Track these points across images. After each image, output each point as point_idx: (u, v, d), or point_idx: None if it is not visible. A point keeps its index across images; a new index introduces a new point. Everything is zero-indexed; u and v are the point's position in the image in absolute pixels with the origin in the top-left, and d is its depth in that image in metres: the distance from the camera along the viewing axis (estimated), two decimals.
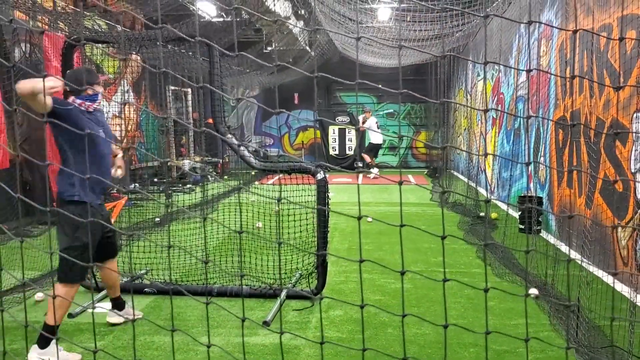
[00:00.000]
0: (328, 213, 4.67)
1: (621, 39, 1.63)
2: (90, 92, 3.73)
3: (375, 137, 15.08)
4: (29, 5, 7.42)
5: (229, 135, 4.77)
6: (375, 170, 14.78)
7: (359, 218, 1.76)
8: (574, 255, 6.05)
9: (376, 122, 15.32)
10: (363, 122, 14.88)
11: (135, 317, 4.43)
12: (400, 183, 1.74)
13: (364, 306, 1.73)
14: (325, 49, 13.97)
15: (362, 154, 15.46)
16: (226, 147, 9.74)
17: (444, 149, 13.68)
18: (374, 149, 15.37)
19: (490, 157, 10.81)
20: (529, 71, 1.62)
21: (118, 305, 4.36)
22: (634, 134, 4.80)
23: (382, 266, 1.83)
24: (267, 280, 5.07)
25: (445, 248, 6.89)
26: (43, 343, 3.59)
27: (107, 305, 4.49)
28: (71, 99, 3.73)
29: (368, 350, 1.67)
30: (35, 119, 8.27)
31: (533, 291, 4.84)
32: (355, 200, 10.75)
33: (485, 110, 1.64)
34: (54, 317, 3.59)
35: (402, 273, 1.69)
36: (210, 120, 4.85)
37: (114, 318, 4.31)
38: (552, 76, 7.10)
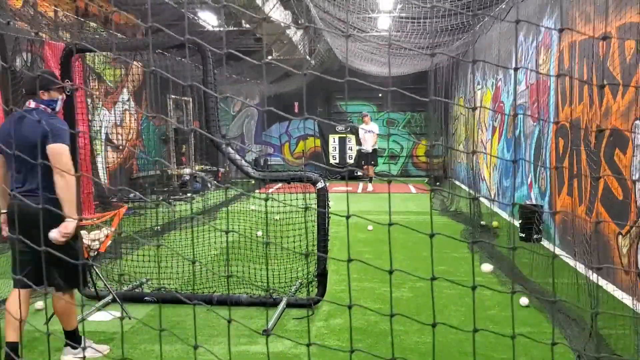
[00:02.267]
0: (328, 221, 4.67)
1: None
2: (44, 96, 3.64)
3: (366, 143, 14.13)
4: (30, 15, 7.46)
5: (224, 145, 4.77)
6: (369, 185, 14.28)
7: (348, 217, 1.76)
8: (574, 263, 6.04)
9: (371, 130, 14.09)
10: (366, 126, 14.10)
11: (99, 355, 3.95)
12: (390, 181, 1.75)
13: (352, 306, 1.72)
14: (324, 57, 14.00)
15: (368, 167, 14.32)
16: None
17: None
18: (370, 158, 14.32)
19: (491, 166, 10.82)
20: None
21: (73, 339, 3.78)
22: (634, 142, 4.81)
23: (374, 267, 1.82)
24: (267, 288, 5.06)
25: (447, 257, 6.90)
26: (73, 345, 3.75)
27: (109, 314, 4.47)
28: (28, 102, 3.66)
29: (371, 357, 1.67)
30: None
31: (523, 301, 4.87)
32: (356, 208, 10.74)
33: (474, 109, 1.64)
34: (70, 323, 3.76)
35: (391, 272, 1.69)
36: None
37: (68, 357, 3.81)
38: (552, 84, 7.12)
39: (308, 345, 1.86)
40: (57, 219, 3.40)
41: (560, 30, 1.63)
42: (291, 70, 2.31)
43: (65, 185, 3.44)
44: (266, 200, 2.00)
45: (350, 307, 1.80)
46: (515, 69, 1.68)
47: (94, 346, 3.93)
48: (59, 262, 3.41)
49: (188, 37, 1.80)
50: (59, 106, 3.72)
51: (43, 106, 3.61)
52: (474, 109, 1.79)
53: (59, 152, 3.46)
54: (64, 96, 3.80)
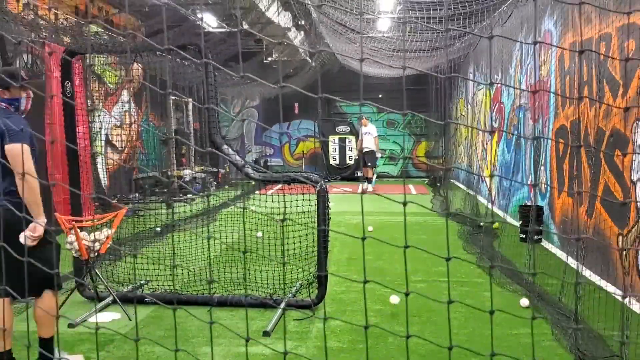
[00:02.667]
0: (328, 223, 4.67)
1: (627, 59, 1.64)
2: (5, 95, 3.50)
3: (367, 143, 14.01)
4: (31, 18, 7.47)
5: (225, 147, 4.77)
6: (368, 186, 14.18)
7: (364, 239, 1.74)
8: (574, 264, 6.04)
9: (368, 132, 14.06)
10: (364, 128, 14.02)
11: None
12: (405, 204, 1.70)
13: (368, 327, 1.73)
14: (325, 59, 14.00)
15: (366, 168, 14.36)
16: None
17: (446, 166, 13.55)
18: (370, 159, 14.28)
19: (490, 166, 10.82)
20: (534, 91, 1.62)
21: (46, 350, 3.62)
22: (634, 144, 4.81)
23: (385, 286, 1.82)
24: (268, 290, 5.06)
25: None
26: (46, 357, 3.57)
27: (109, 315, 4.48)
28: None
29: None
30: (36, 132, 8.28)
31: (523, 302, 4.87)
32: (356, 209, 10.73)
33: (492, 132, 1.64)
34: (43, 331, 3.59)
35: (407, 294, 1.68)
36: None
37: None
38: (552, 85, 7.12)
39: (325, 350, 1.85)
40: (22, 223, 3.22)
41: (581, 53, 1.62)
42: (303, 92, 2.28)
43: (27, 187, 3.29)
44: (283, 221, 2.01)
45: (366, 328, 1.79)
46: (535, 92, 1.68)
47: (67, 357, 3.76)
48: (8, 270, 3.06)
49: (206, 59, 1.81)
50: (23, 104, 3.60)
51: (5, 104, 3.51)
52: (492, 132, 1.78)
53: (16, 152, 3.29)
54: (30, 93, 3.63)
